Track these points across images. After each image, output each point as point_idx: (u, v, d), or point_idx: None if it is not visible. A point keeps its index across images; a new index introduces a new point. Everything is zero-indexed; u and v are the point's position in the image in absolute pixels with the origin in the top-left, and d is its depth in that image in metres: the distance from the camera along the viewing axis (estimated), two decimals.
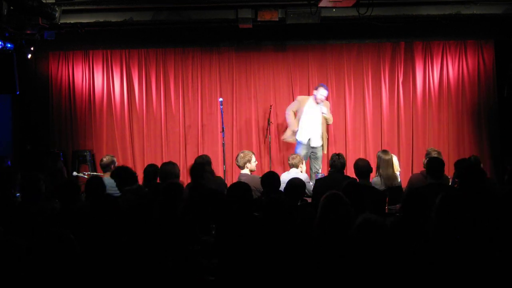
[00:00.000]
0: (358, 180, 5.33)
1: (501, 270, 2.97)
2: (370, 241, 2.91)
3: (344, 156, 5.92)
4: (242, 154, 6.15)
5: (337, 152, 6.04)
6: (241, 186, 4.29)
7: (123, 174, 5.13)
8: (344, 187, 4.26)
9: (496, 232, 3.24)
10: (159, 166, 5.78)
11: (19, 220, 4.03)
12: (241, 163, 6.11)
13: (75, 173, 6.78)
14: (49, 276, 2.82)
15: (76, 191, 4.40)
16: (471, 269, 2.98)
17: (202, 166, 5.45)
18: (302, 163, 6.48)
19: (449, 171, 7.30)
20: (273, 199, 3.38)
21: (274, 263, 3.05)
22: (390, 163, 5.81)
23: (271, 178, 4.90)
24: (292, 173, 6.14)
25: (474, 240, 3.10)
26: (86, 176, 7.11)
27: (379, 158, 5.84)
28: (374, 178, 5.84)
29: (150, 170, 5.64)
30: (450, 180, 5.91)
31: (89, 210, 3.94)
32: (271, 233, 3.19)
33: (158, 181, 5.47)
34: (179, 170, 5.67)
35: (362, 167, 5.37)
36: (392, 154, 6.30)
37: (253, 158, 6.22)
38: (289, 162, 6.42)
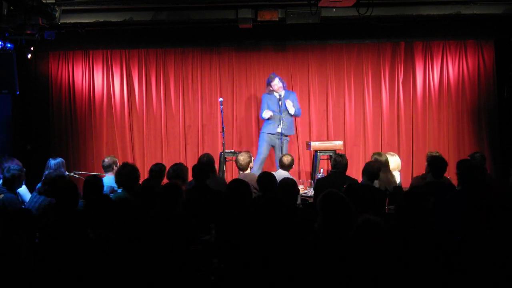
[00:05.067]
0: (363, 180, 5.31)
1: (503, 269, 2.97)
2: (370, 242, 2.90)
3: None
4: (243, 157, 6.09)
5: (338, 153, 6.06)
6: (241, 184, 4.29)
7: (128, 172, 5.15)
8: (346, 189, 4.26)
9: (498, 231, 3.24)
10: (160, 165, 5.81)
11: None
12: (244, 165, 6.08)
13: (66, 173, 6.77)
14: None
15: (74, 193, 4.41)
16: (472, 269, 2.98)
17: (208, 166, 5.40)
18: None
19: (449, 171, 7.29)
20: (270, 198, 3.37)
21: (274, 263, 3.04)
22: (387, 164, 5.82)
23: (266, 179, 4.84)
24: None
25: (475, 239, 3.10)
26: (77, 176, 7.11)
27: (376, 161, 5.84)
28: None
29: (156, 169, 5.66)
30: (452, 180, 5.91)
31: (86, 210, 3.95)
32: (270, 233, 3.18)
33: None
34: (187, 171, 5.66)
35: (373, 168, 5.35)
36: (393, 153, 6.28)
37: (252, 158, 6.23)
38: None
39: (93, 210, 3.75)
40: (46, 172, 5.87)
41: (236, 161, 6.20)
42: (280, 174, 5.98)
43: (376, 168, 5.38)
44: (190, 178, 5.77)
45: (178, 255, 3.54)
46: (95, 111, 8.71)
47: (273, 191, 4.69)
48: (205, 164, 5.64)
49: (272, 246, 3.10)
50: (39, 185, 5.38)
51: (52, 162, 6.19)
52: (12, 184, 5.35)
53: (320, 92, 8.78)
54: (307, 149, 7.97)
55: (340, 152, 7.03)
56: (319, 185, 5.60)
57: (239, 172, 6.19)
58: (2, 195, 5.28)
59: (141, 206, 4.10)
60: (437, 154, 6.13)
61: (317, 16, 7.00)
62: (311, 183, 6.89)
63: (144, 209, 3.65)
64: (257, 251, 3.11)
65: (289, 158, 6.31)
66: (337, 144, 7.63)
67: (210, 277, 3.52)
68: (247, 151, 6.38)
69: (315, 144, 7.63)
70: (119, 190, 5.08)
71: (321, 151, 7.63)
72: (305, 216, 4.00)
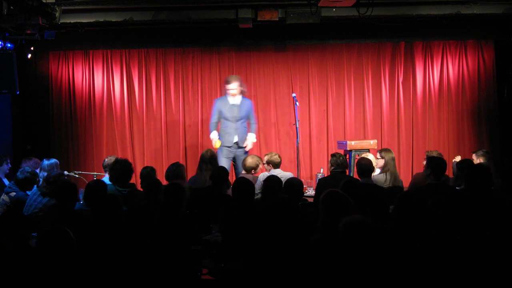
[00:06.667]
0: (360, 178, 5.34)
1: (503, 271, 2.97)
2: (356, 243, 2.89)
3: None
4: (251, 160, 6.13)
5: (333, 153, 6.08)
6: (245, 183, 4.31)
7: (120, 168, 5.17)
8: (342, 185, 4.26)
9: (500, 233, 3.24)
10: (162, 165, 5.82)
11: None
12: (248, 167, 6.10)
13: (66, 172, 6.77)
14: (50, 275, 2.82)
15: (74, 192, 4.42)
16: (472, 269, 2.98)
17: (224, 173, 5.39)
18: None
19: (449, 171, 7.30)
20: (278, 198, 3.37)
21: (278, 262, 3.04)
22: (394, 161, 5.87)
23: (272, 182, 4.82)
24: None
25: (477, 240, 3.09)
26: (77, 176, 7.11)
27: (385, 157, 5.87)
28: (377, 175, 5.86)
29: (146, 172, 5.66)
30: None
31: (89, 211, 3.95)
32: (275, 233, 3.18)
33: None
34: (184, 171, 5.69)
35: (365, 165, 5.38)
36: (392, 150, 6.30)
37: (260, 163, 6.21)
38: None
39: (98, 211, 3.76)
40: (40, 173, 5.89)
41: (243, 162, 6.22)
42: (277, 172, 5.99)
43: (367, 164, 5.39)
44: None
45: (179, 255, 3.54)
46: (95, 111, 8.70)
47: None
48: (225, 170, 5.61)
49: (277, 245, 3.09)
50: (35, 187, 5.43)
51: (46, 163, 6.20)
52: (23, 185, 5.48)
53: (320, 92, 8.78)
54: (338, 148, 7.84)
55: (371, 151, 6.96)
56: (320, 185, 5.62)
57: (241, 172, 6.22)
58: (14, 193, 5.37)
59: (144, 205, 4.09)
60: (437, 155, 6.13)
61: (317, 16, 7.00)
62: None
63: (146, 208, 3.64)
64: (261, 250, 3.11)
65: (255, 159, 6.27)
66: (372, 143, 7.50)
67: (210, 277, 3.52)
68: (258, 156, 6.40)
69: (351, 143, 7.38)
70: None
71: (356, 150, 7.36)
72: (306, 216, 4.01)
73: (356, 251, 2.87)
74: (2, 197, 5.52)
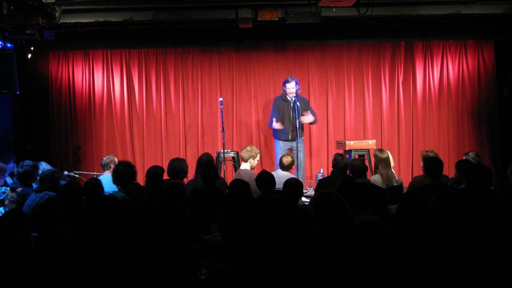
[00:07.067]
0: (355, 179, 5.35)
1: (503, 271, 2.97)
2: (369, 242, 2.90)
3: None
4: (249, 148, 6.25)
5: (338, 153, 6.08)
6: (241, 185, 4.30)
7: (123, 170, 5.17)
8: (339, 185, 4.26)
9: (501, 232, 3.24)
10: (162, 165, 5.83)
11: None
12: (246, 156, 6.19)
13: (66, 172, 6.76)
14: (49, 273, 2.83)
15: (80, 194, 4.41)
16: (473, 270, 2.98)
17: (216, 169, 5.42)
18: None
19: (449, 171, 7.30)
20: (269, 198, 3.37)
21: (278, 262, 3.04)
22: (388, 161, 5.85)
23: (266, 178, 4.86)
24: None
25: (477, 240, 3.09)
26: (77, 176, 7.10)
27: (376, 157, 5.90)
28: (373, 176, 5.87)
29: (155, 171, 5.67)
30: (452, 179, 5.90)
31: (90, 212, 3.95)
32: (269, 233, 3.18)
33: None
34: (187, 167, 5.69)
35: (357, 166, 5.40)
36: (386, 151, 6.34)
37: (258, 156, 6.27)
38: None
39: (96, 211, 3.76)
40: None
41: (280, 161, 6.30)
42: (278, 174, 5.99)
43: (360, 165, 5.41)
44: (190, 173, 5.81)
45: (179, 255, 3.54)
46: (95, 111, 8.71)
47: (273, 191, 4.72)
48: (214, 166, 5.64)
49: (277, 245, 3.09)
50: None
51: (44, 167, 6.19)
52: (26, 179, 5.47)
53: (320, 92, 8.79)
54: (337, 148, 7.88)
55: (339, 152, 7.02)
56: (320, 185, 5.62)
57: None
58: (20, 189, 5.37)
59: (142, 205, 4.09)
60: (433, 154, 6.12)
61: (317, 16, 7.00)
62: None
63: (145, 208, 3.64)
64: (261, 250, 3.11)
65: (289, 158, 6.34)
66: (371, 143, 7.58)
67: (211, 277, 3.52)
68: (257, 148, 6.44)
69: (350, 143, 7.51)
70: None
71: (356, 150, 7.47)
72: (305, 217, 4.00)
73: (366, 251, 2.87)
74: (10, 194, 5.53)
